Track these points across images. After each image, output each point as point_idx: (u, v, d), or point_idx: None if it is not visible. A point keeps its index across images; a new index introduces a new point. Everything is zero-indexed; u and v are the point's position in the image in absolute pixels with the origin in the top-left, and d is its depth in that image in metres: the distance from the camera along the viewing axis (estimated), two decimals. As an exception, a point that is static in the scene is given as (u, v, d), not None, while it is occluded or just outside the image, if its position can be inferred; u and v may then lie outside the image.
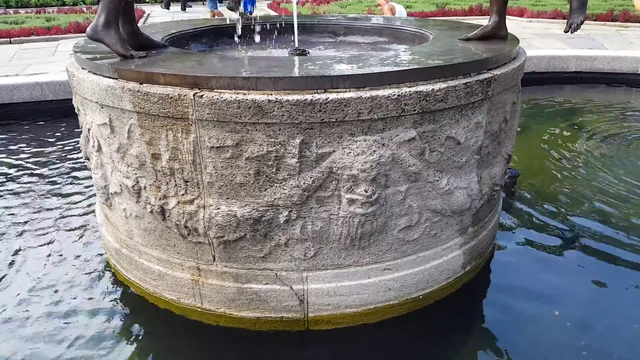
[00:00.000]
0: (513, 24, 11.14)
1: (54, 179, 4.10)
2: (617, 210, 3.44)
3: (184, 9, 17.46)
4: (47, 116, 5.60)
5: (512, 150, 2.67)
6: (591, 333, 2.39)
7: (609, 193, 3.70)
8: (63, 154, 4.64)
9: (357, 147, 1.94)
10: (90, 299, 2.64)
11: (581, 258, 2.96)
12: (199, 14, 15.89)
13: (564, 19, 11.45)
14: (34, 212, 3.54)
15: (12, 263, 2.95)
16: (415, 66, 2.01)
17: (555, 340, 2.35)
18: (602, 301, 2.61)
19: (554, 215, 3.40)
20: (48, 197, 3.77)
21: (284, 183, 2.00)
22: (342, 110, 1.87)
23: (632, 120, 5.46)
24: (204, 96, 1.87)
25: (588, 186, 3.84)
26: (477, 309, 2.62)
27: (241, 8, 3.54)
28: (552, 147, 4.62)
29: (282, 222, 2.08)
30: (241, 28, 3.36)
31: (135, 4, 2.33)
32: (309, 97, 1.84)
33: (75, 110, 2.52)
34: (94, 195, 3.36)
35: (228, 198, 2.07)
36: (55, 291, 2.69)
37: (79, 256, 3.01)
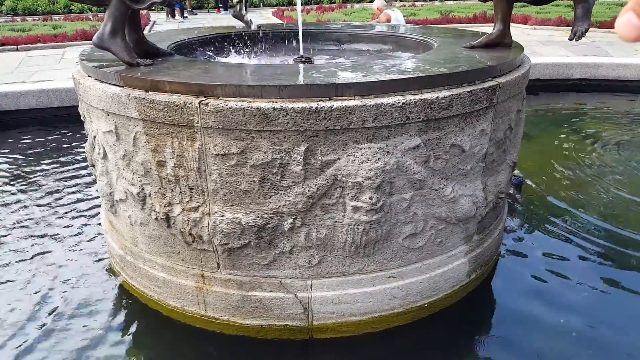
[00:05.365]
0: (517, 31, 11.15)
1: (59, 185, 4.11)
2: (623, 217, 3.42)
3: (174, 15, 17.04)
4: (53, 123, 5.64)
5: (517, 157, 2.66)
6: (598, 342, 2.37)
7: (614, 200, 3.68)
8: (68, 161, 4.66)
9: (361, 155, 1.94)
10: (94, 305, 2.64)
11: (587, 265, 2.94)
12: (203, 20, 16.00)
13: (567, 26, 11.47)
14: (38, 219, 3.55)
15: (16, 269, 2.96)
16: (420, 74, 2.01)
17: (561, 349, 2.33)
18: (608, 309, 2.59)
19: (560, 223, 3.38)
20: (53, 204, 3.78)
21: (288, 190, 2.00)
22: (347, 118, 1.87)
23: (637, 127, 5.44)
24: (209, 104, 1.88)
25: (593, 193, 3.82)
26: (482, 317, 2.61)
27: (247, 16, 3.57)
28: (557, 154, 4.61)
29: (286, 229, 2.08)
30: (243, 36, 3.38)
31: (141, 12, 2.35)
32: (314, 104, 1.84)
33: (81, 118, 2.54)
34: (99, 202, 3.38)
35: (233, 205, 2.07)
36: (59, 298, 2.69)
37: (83, 263, 3.01)
